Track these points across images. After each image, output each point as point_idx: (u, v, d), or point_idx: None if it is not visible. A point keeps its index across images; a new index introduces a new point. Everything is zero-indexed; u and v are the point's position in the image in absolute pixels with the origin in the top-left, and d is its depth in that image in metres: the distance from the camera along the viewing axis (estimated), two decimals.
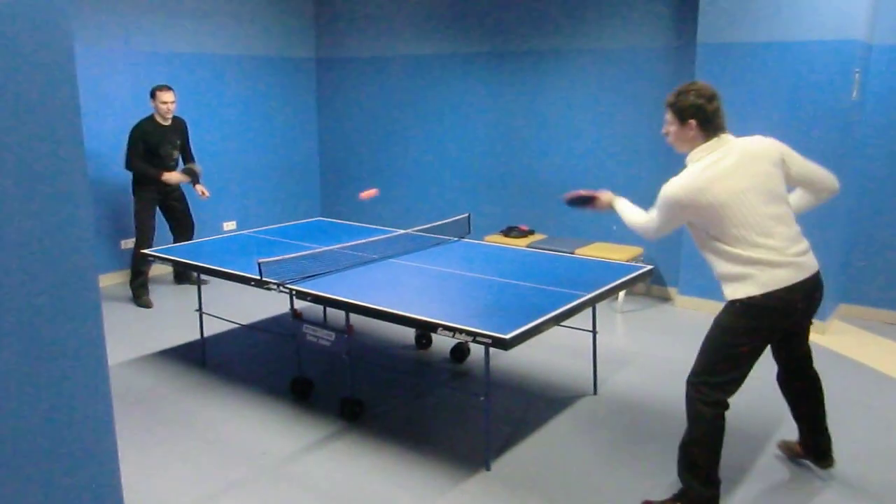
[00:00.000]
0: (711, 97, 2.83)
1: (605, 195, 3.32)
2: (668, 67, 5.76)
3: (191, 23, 6.77)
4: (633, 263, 4.51)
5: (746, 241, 2.74)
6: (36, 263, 1.47)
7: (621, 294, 5.72)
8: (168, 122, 5.71)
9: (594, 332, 4.12)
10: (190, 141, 6.00)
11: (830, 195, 3.03)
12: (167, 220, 6.01)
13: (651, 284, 6.10)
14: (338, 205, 8.15)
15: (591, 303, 3.50)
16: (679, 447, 2.94)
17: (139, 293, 5.77)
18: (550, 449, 3.51)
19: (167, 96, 5.61)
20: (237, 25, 7.16)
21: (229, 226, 7.27)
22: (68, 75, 1.49)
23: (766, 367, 4.57)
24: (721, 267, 2.85)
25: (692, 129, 2.81)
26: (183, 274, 6.36)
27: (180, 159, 5.95)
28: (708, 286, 5.60)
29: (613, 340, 5.04)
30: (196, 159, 6.06)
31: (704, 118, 2.80)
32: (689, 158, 2.86)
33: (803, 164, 2.93)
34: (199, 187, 5.95)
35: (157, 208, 5.85)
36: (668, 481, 3.21)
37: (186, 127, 5.96)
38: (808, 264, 2.82)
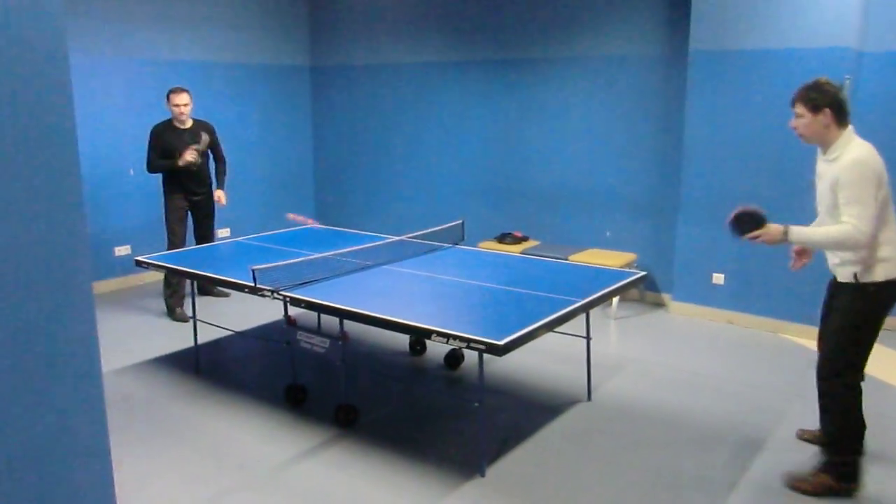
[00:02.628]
0: (839, 88, 3.02)
1: (773, 227, 3.09)
2: (660, 75, 5.80)
3: (185, 30, 6.78)
4: (626, 270, 4.53)
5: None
6: (30, 270, 1.47)
7: (615, 300, 5.73)
8: (185, 126, 5.52)
9: (588, 338, 4.13)
10: (220, 146, 5.79)
11: None
12: (195, 226, 5.85)
13: (645, 291, 6.12)
14: (332, 212, 8.15)
15: (585, 309, 3.51)
16: (826, 434, 3.19)
17: (171, 306, 5.63)
18: (545, 455, 3.51)
19: (179, 98, 5.42)
20: (232, 33, 7.17)
21: (223, 233, 7.26)
22: (62, 82, 1.49)
23: (759, 373, 4.59)
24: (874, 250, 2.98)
25: (827, 118, 2.96)
26: (207, 288, 6.08)
27: (210, 166, 5.79)
28: (701, 293, 5.62)
29: (607, 347, 5.05)
30: (227, 164, 5.90)
31: (838, 106, 2.97)
32: (838, 143, 2.97)
33: None
34: (218, 192, 5.77)
35: (190, 214, 5.73)
36: (662, 487, 3.22)
37: (214, 131, 5.72)
38: None
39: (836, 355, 3.10)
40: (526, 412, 3.99)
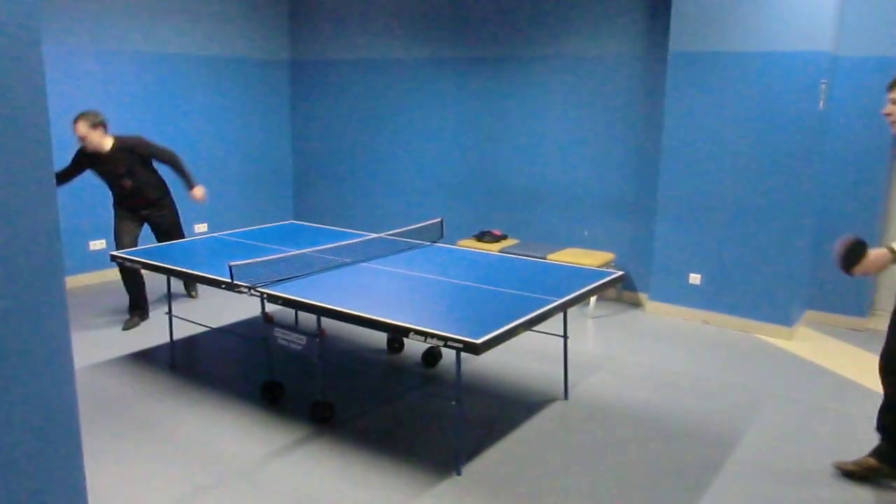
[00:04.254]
0: None
1: (873, 254, 2.87)
2: (639, 75, 5.83)
3: (164, 22, 6.71)
4: (604, 269, 4.55)
5: None
6: (2, 266, 1.44)
7: (592, 299, 5.76)
8: (102, 152, 5.03)
9: (565, 337, 4.15)
10: (158, 152, 5.25)
11: None
12: (156, 239, 5.47)
13: (622, 290, 6.16)
14: (310, 208, 8.11)
15: (563, 308, 3.52)
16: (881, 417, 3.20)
17: (130, 316, 5.37)
18: (521, 453, 3.52)
19: (75, 128, 4.90)
20: (211, 26, 7.11)
21: (200, 228, 7.20)
22: (35, 73, 1.47)
23: (732, 372, 4.63)
24: None
25: None
26: (185, 285, 5.91)
27: (156, 180, 5.36)
28: (678, 293, 5.67)
29: (584, 345, 5.08)
30: (177, 158, 5.34)
31: None
32: None
33: None
34: (193, 191, 5.30)
35: (146, 225, 5.40)
36: (637, 484, 3.24)
37: (139, 147, 5.17)
38: None
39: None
40: (503, 410, 4.00)
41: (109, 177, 5.17)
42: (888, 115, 2.99)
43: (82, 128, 4.89)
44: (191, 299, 5.89)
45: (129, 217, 5.31)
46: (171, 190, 5.48)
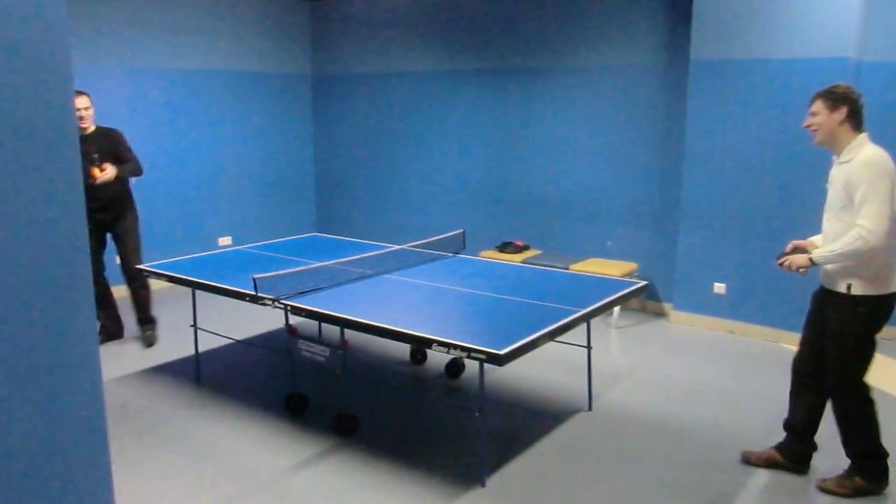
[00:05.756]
0: (859, 95, 3.07)
1: (798, 258, 3.13)
2: (660, 84, 5.81)
3: (189, 40, 6.81)
4: (627, 279, 4.53)
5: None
6: (30, 276, 1.47)
7: (616, 310, 5.73)
8: (86, 132, 4.97)
9: (589, 347, 4.12)
10: (128, 151, 5.14)
11: None
12: (118, 253, 5.35)
13: (646, 300, 6.11)
14: (333, 220, 8.16)
15: (586, 318, 3.51)
16: (854, 448, 3.20)
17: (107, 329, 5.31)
18: (545, 465, 3.50)
19: (78, 101, 4.86)
20: (234, 42, 7.20)
21: (225, 241, 7.27)
22: (65, 91, 1.50)
23: (759, 383, 4.57)
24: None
25: (842, 115, 3.02)
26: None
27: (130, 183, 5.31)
28: (702, 302, 5.62)
29: (608, 356, 5.04)
30: (138, 170, 5.20)
31: (855, 108, 3.03)
32: (852, 145, 3.02)
33: None
34: (105, 165, 4.97)
35: (107, 234, 5.25)
36: (663, 497, 3.20)
37: (118, 139, 5.14)
38: None
39: (846, 374, 3.14)
40: (526, 422, 3.98)
41: (84, 160, 4.79)
42: (808, 126, 3.13)
43: (87, 101, 4.96)
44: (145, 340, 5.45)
45: (93, 235, 4.83)
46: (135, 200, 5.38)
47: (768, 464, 3.44)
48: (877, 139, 5.36)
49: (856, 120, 3.04)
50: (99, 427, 1.65)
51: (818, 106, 3.09)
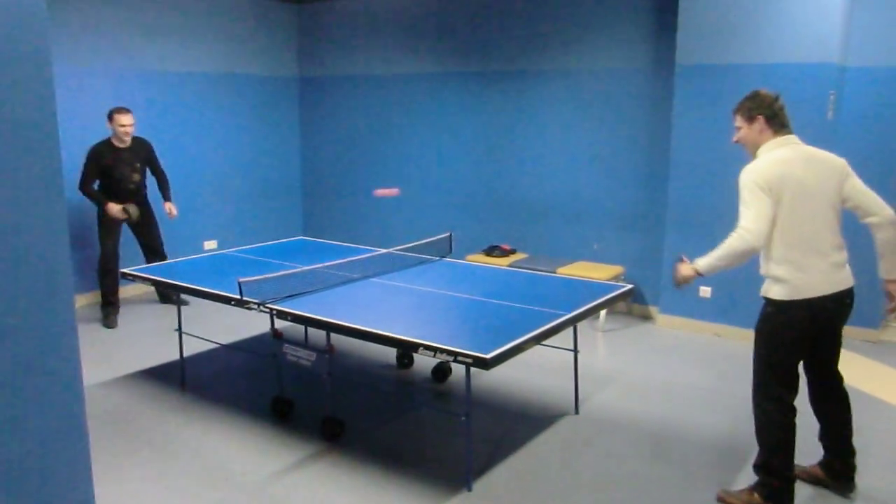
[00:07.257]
0: (775, 97, 3.06)
1: (682, 268, 3.17)
2: (646, 88, 5.83)
3: (174, 42, 6.77)
4: (614, 282, 4.54)
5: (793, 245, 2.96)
6: (10, 280, 1.45)
7: (602, 313, 5.74)
8: (125, 145, 5.63)
9: (575, 351, 4.12)
10: (158, 162, 5.94)
11: (880, 221, 3.15)
12: (139, 243, 5.99)
13: (632, 303, 6.13)
14: (319, 224, 8.13)
15: (573, 322, 3.51)
16: (759, 454, 3.11)
17: (105, 314, 5.75)
18: (532, 469, 3.50)
19: (125, 119, 5.54)
20: (220, 44, 7.17)
21: (210, 245, 7.22)
22: (45, 92, 1.48)
23: (745, 386, 4.59)
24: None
25: (760, 124, 3.03)
26: (167, 294, 6.25)
27: (148, 181, 5.90)
28: (688, 306, 5.64)
29: (595, 360, 5.05)
30: (168, 179, 6.00)
31: (771, 114, 3.02)
32: (759, 152, 3.05)
33: (861, 187, 3.13)
34: (167, 205, 5.89)
35: (129, 228, 5.89)
36: (649, 500, 3.20)
37: (152, 148, 5.88)
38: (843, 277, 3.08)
39: (757, 378, 3.17)
40: (513, 425, 3.98)
41: (125, 169, 5.63)
42: (736, 141, 3.16)
43: (131, 118, 5.59)
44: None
45: (112, 226, 5.70)
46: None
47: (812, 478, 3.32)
48: (860, 142, 5.42)
49: (775, 124, 3.03)
50: (80, 432, 1.63)
51: (738, 120, 3.10)
